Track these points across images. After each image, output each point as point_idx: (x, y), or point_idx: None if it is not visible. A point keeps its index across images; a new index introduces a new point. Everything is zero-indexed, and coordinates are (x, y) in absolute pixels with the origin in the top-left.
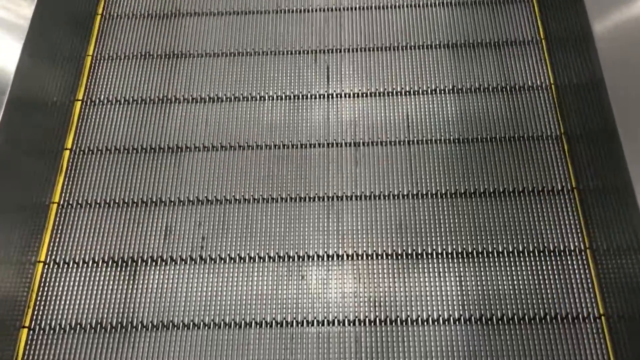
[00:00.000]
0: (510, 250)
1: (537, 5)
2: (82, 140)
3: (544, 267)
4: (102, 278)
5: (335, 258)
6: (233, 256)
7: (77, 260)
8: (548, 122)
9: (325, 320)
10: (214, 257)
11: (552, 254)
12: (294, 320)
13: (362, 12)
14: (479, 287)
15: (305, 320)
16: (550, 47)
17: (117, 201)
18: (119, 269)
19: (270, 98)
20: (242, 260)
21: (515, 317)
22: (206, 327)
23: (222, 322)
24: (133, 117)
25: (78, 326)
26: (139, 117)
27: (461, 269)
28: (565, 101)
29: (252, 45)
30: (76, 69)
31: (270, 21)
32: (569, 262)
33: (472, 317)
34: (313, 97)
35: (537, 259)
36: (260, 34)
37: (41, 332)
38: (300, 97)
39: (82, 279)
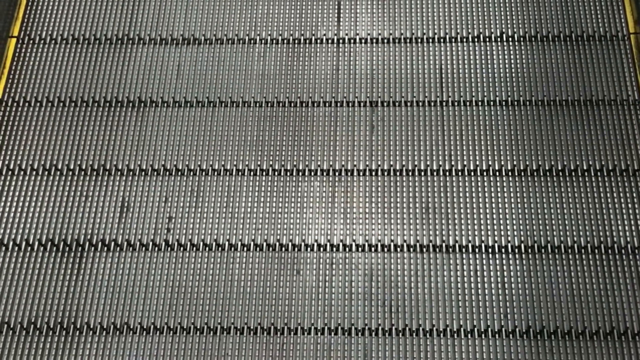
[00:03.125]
0: (570, 245)
1: None
2: (15, 88)
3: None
4: (43, 265)
5: (340, 249)
6: (208, 242)
7: (18, 243)
8: (625, 82)
9: (326, 327)
10: (183, 242)
11: None
12: (285, 327)
13: None
14: (527, 290)
15: (299, 328)
16: None
17: (59, 168)
18: (60, 254)
19: (263, 41)
20: (219, 248)
21: (584, 331)
22: (171, 332)
23: (192, 326)
24: (81, 60)
25: None
26: (89, 60)
27: (504, 268)
28: None
29: None
30: None
31: None
32: None
33: (517, 330)
34: (319, 41)
35: (599, 259)
36: None
37: None
38: (302, 41)
39: (19, 263)
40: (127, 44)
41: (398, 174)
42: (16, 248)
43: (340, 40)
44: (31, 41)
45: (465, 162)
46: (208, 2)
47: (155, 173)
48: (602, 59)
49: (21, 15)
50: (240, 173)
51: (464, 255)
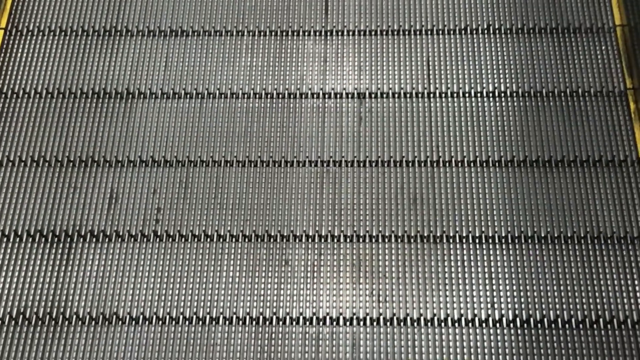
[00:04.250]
0: (556, 235)
1: None
2: (2, 79)
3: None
4: (31, 256)
5: (328, 239)
6: (197, 233)
7: (6, 234)
8: (611, 74)
9: (315, 317)
10: (172, 233)
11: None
12: (274, 317)
13: None
14: (514, 280)
15: (288, 317)
16: None
17: (47, 159)
18: (49, 245)
19: (251, 33)
20: (208, 239)
21: (560, 320)
22: (160, 322)
23: (181, 316)
24: (69, 52)
25: None
26: (77, 52)
27: (491, 258)
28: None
29: None
30: None
31: None
32: None
33: (504, 319)
34: (306, 33)
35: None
36: None
37: None
38: (290, 33)
39: (8, 254)
40: (115, 35)
41: (386, 165)
42: (5, 239)
43: (328, 33)
44: (19, 33)
45: (452, 154)
46: None
47: (144, 164)
48: (589, 51)
49: (9, 7)
50: (228, 164)
51: (451, 246)
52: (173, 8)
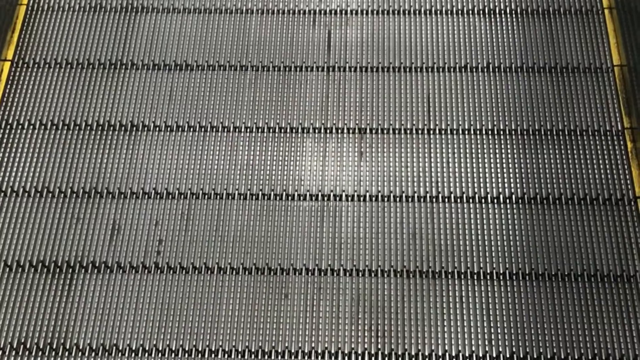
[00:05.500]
0: (554, 273)
1: None
2: (9, 111)
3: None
4: (33, 286)
5: (328, 273)
6: (198, 265)
7: (9, 264)
8: (609, 112)
9: (313, 351)
10: (172, 265)
11: None
12: (273, 350)
13: None
14: (512, 316)
15: (287, 351)
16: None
17: (51, 190)
18: (51, 275)
19: (254, 68)
20: (208, 272)
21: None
22: (159, 355)
23: (181, 349)
24: (74, 84)
25: None
26: (83, 84)
27: (489, 294)
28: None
29: (233, 1)
30: (4, 17)
31: None
32: None
33: (502, 355)
34: (309, 68)
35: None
36: None
37: None
38: (293, 68)
39: (10, 283)
40: (120, 68)
41: (386, 200)
42: (7, 269)
43: (330, 68)
44: (25, 65)
45: (451, 190)
46: (200, 29)
47: (146, 196)
48: (587, 90)
49: (15, 39)
50: (230, 197)
51: (450, 282)
52: (178, 42)
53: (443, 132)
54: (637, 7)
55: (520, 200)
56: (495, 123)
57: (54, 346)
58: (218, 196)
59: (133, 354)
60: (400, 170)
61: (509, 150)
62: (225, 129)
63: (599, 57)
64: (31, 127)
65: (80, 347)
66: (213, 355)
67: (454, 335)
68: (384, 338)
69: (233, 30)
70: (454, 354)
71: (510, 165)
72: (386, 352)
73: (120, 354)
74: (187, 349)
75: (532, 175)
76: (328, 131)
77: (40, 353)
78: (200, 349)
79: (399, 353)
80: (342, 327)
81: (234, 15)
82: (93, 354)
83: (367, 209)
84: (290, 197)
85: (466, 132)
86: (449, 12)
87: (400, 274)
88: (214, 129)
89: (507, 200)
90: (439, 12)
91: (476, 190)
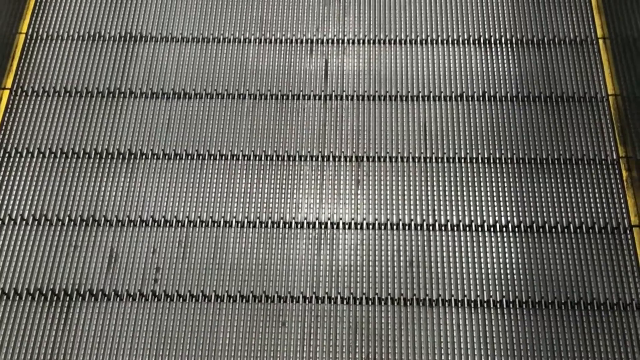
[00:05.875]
0: (550, 301)
1: None
2: (7, 138)
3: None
4: (30, 314)
5: (325, 301)
6: (195, 293)
7: (6, 291)
8: (604, 141)
9: None
10: (170, 293)
11: None
12: None
13: None
14: (509, 344)
15: None
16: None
17: (49, 218)
18: (48, 303)
19: (252, 96)
20: (206, 299)
21: None
22: None
23: None
24: (73, 112)
25: None
26: (81, 112)
27: (486, 323)
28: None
29: (231, 30)
30: (3, 46)
31: (255, 1)
32: None
33: None
34: (306, 97)
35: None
36: (242, 17)
37: None
38: (290, 96)
39: (7, 312)
40: (119, 97)
41: (383, 227)
42: (4, 297)
43: (327, 97)
44: (24, 93)
45: (448, 218)
46: (198, 58)
47: (144, 224)
48: (582, 119)
49: (14, 68)
50: (227, 225)
51: (447, 309)
52: (176, 71)
53: (439, 160)
54: (628, 37)
55: (516, 229)
56: (491, 151)
57: None
58: (215, 224)
59: None
60: (397, 198)
61: (505, 179)
62: (223, 157)
63: (593, 87)
64: (29, 155)
65: None
66: None
67: None
68: None
69: (231, 59)
70: None
71: (506, 194)
72: None
73: None
74: None
75: (528, 203)
76: (325, 159)
77: None
78: None
79: None
80: (340, 355)
81: (232, 45)
82: None
83: (364, 237)
84: (287, 225)
85: (462, 160)
86: (445, 41)
87: (398, 302)
88: (212, 157)
89: (504, 229)
90: (435, 42)
91: (472, 218)
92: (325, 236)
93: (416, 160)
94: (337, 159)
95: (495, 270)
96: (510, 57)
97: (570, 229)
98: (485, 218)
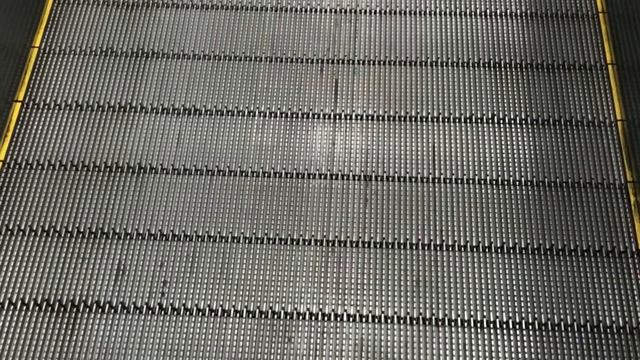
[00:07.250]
0: (556, 323)
1: None
2: (18, 150)
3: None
4: (37, 324)
5: (332, 318)
6: (202, 307)
7: (13, 302)
8: (612, 166)
9: None
10: (177, 306)
11: None
12: None
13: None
14: None
15: None
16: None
17: (57, 230)
18: (55, 314)
19: (261, 114)
20: (212, 314)
21: None
22: None
23: None
24: (84, 126)
25: None
26: (92, 126)
27: (492, 343)
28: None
29: (243, 48)
30: (16, 59)
31: (267, 20)
32: None
33: None
34: (316, 116)
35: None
36: (253, 35)
37: None
38: (300, 115)
39: (14, 322)
40: (130, 112)
41: (390, 246)
42: (12, 307)
43: (337, 116)
44: (35, 106)
45: (455, 238)
46: (209, 74)
47: (152, 238)
48: (590, 143)
49: (27, 81)
50: (235, 240)
51: (453, 329)
52: (187, 87)
53: (448, 181)
54: (637, 64)
55: (523, 251)
56: (499, 174)
57: None
58: (223, 239)
59: None
60: (405, 218)
61: (512, 201)
62: (232, 173)
63: (602, 111)
64: (40, 167)
65: None
66: None
67: None
68: None
69: (242, 76)
70: None
71: (514, 216)
72: None
73: None
74: None
75: (536, 225)
76: (334, 177)
77: None
78: None
79: None
80: None
81: (242, 62)
82: None
83: (371, 255)
84: (295, 242)
85: (471, 181)
86: (455, 64)
87: (404, 321)
88: (221, 173)
89: (511, 250)
90: (445, 64)
91: (480, 239)
92: (332, 254)
93: (424, 180)
94: (345, 178)
95: (502, 292)
96: (520, 81)
97: (577, 252)
98: (492, 239)
